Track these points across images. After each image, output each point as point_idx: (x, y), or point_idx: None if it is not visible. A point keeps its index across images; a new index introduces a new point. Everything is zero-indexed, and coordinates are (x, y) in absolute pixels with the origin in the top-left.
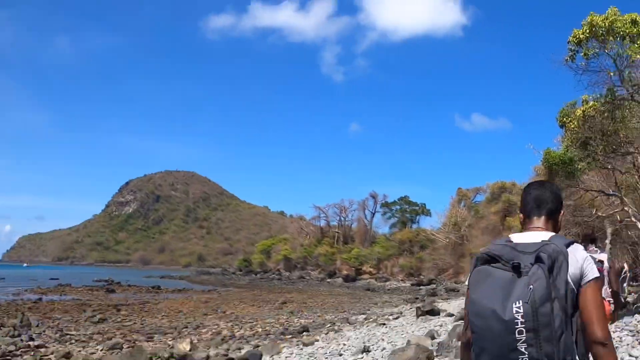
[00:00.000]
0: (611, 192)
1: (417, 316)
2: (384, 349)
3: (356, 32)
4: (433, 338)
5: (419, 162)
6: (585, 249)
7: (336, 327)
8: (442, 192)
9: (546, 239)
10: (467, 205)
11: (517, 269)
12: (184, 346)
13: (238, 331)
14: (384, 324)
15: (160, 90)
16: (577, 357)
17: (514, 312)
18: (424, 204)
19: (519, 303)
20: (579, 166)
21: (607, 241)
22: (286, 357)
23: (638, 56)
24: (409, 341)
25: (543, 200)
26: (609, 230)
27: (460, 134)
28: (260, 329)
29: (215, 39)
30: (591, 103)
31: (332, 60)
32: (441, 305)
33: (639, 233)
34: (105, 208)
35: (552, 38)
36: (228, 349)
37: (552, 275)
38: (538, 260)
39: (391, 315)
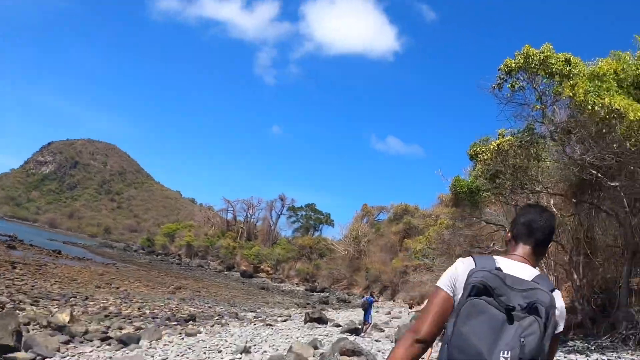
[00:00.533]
0: None
1: (305, 322)
2: (264, 352)
3: (294, 39)
4: (316, 348)
5: (331, 174)
6: None
7: (223, 321)
8: (348, 205)
9: (533, 276)
10: (370, 221)
11: (509, 312)
12: (63, 317)
13: (126, 310)
14: (271, 325)
15: (97, 59)
16: None
17: None
18: (329, 214)
19: (507, 354)
20: (483, 194)
21: None
22: (164, 345)
23: (570, 93)
24: (291, 347)
25: (536, 228)
26: None
27: (373, 153)
28: (148, 311)
29: (159, 20)
30: (507, 137)
31: (267, 63)
32: (330, 314)
33: None
34: (23, 164)
35: (477, 75)
36: (109, 327)
37: (546, 332)
38: (534, 311)
39: (280, 317)
